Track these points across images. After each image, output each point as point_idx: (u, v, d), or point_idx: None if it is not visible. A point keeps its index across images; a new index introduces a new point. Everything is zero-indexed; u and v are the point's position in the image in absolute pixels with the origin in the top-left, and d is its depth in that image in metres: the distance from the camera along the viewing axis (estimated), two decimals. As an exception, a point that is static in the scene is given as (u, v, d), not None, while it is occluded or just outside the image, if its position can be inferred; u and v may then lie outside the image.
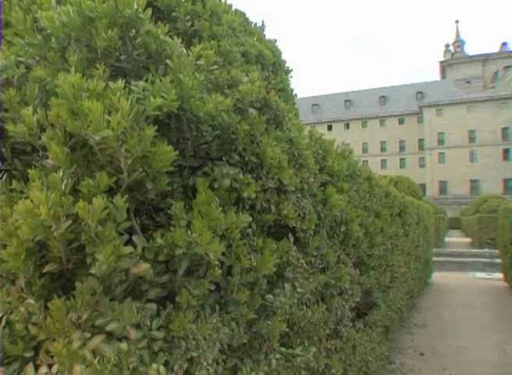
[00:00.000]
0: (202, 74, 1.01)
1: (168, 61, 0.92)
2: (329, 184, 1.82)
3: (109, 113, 0.79)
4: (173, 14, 1.67)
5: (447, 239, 27.51)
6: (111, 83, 0.83)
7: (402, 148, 75.53)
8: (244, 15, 2.43)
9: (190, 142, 1.02)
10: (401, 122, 75.72)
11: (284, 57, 2.52)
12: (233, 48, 1.74)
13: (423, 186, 71.69)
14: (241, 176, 1.08)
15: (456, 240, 29.13)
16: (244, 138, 1.12)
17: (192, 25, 1.71)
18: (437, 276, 12.63)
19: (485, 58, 75.82)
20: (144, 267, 0.81)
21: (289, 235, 1.39)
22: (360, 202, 2.44)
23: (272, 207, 1.25)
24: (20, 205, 0.77)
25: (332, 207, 1.75)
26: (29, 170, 0.88)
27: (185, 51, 0.98)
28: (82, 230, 0.79)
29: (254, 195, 1.11)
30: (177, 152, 0.89)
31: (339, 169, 1.88)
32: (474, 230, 20.27)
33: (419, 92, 76.39)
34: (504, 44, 76.13)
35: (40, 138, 0.90)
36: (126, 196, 0.82)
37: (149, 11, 0.95)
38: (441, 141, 69.18)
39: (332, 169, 1.81)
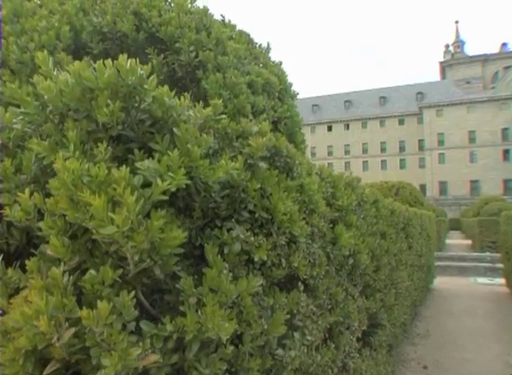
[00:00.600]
0: (210, 136, 0.96)
1: (175, 129, 0.87)
2: (338, 221, 1.78)
3: (113, 205, 0.75)
4: (177, 45, 1.63)
5: (448, 241, 27.48)
6: (114, 171, 0.77)
7: (402, 149, 75.51)
8: (249, 36, 2.39)
9: (197, 204, 0.99)
10: (401, 122, 75.69)
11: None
12: (239, 79, 1.69)
13: (423, 186, 71.66)
14: (252, 238, 1.04)
15: (456, 242, 29.10)
16: (255, 196, 1.08)
17: (196, 56, 1.66)
18: (439, 281, 12.60)
19: (485, 59, 75.78)
20: (153, 359, 0.77)
21: (299, 284, 1.35)
22: (367, 229, 2.40)
23: (283, 261, 1.21)
24: (17, 311, 0.72)
25: (342, 247, 1.72)
26: (26, 261, 0.84)
27: (193, 114, 0.93)
28: (86, 335, 0.75)
29: (265, 257, 1.08)
30: (186, 234, 0.85)
31: (348, 203, 1.84)
32: (475, 233, 20.23)
33: (419, 93, 76.36)
34: (504, 44, 76.10)
35: (38, 221, 0.86)
36: (133, 292, 0.78)
37: (154, 79, 0.90)
38: (441, 142, 69.16)
39: (342, 205, 1.78)
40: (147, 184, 0.82)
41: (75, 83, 0.81)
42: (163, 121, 0.88)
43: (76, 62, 0.83)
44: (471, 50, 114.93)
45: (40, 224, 0.82)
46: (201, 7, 2.26)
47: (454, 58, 78.56)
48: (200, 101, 1.21)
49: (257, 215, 1.12)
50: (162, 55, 1.56)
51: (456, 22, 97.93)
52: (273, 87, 1.96)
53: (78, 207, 0.76)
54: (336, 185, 1.76)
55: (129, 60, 0.87)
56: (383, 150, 77.31)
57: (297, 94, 2.31)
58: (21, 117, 0.85)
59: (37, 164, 0.89)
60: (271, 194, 1.14)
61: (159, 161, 0.82)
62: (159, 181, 0.79)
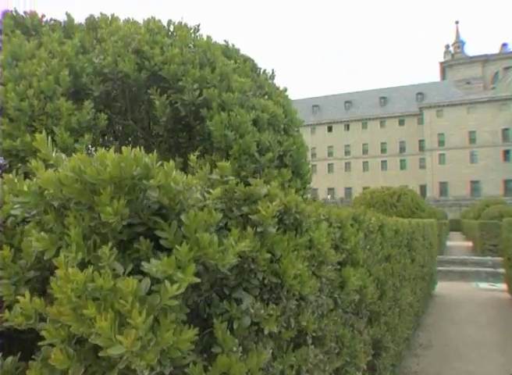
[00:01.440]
0: (219, 212, 0.91)
1: (183, 217, 0.83)
2: (346, 262, 1.73)
3: (121, 319, 0.70)
4: (180, 83, 1.59)
5: (448, 243, 27.44)
6: (120, 283, 0.72)
7: (402, 149, 75.44)
8: (252, 61, 2.35)
9: (206, 278, 0.94)
10: (401, 123, 75.62)
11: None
12: (244, 117, 1.65)
13: (423, 187, 71.61)
14: (262, 311, 1.00)
15: (457, 244, 29.05)
16: (264, 265, 1.04)
17: (200, 94, 1.62)
18: (440, 287, 12.56)
19: (485, 59, 75.76)
20: None
21: (307, 338, 1.31)
22: (373, 258, 2.36)
23: (292, 321, 1.17)
24: None
25: (350, 291, 1.67)
26: (30, 362, 0.79)
27: (201, 196, 0.88)
28: None
29: (275, 329, 1.03)
30: (196, 333, 0.80)
31: (356, 242, 1.80)
32: (476, 236, 20.21)
33: (419, 93, 76.31)
34: (504, 44, 76.06)
35: (40, 322, 0.82)
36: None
37: (160, 170, 0.84)
38: (441, 142, 69.11)
39: (350, 248, 1.74)
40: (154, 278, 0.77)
41: (75, 179, 0.76)
42: (170, 208, 0.83)
43: (77, 156, 0.78)
44: (471, 50, 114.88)
45: (43, 331, 0.77)
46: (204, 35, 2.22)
47: (454, 59, 78.54)
48: (207, 165, 1.16)
49: (266, 281, 1.08)
50: (165, 95, 1.52)
51: (457, 22, 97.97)
52: (279, 120, 1.92)
53: (83, 320, 0.72)
54: (344, 225, 1.72)
55: (133, 150, 0.82)
56: (383, 150, 77.25)
57: (303, 121, 2.27)
58: (19, 205, 0.81)
59: (37, 252, 0.85)
60: (280, 258, 1.09)
61: (169, 262, 0.76)
62: (168, 284, 0.74)
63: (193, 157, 1.59)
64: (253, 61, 2.29)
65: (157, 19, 1.83)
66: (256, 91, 1.98)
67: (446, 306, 10.01)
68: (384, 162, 77.05)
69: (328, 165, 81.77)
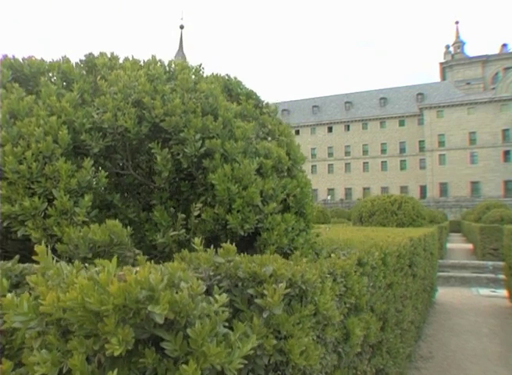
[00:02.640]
0: (224, 293, 0.88)
1: (189, 331, 0.79)
2: (350, 311, 1.70)
3: None
4: (181, 135, 1.56)
5: (449, 245, 27.40)
6: None
7: (402, 150, 75.48)
8: (256, 95, 2.32)
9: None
10: (401, 123, 75.65)
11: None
12: (248, 167, 1.62)
13: (423, 188, 71.66)
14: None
15: (457, 246, 29.03)
16: (270, 350, 1.01)
17: (202, 144, 1.59)
18: (441, 293, 12.53)
19: (485, 60, 75.72)
20: None
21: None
22: (376, 293, 2.33)
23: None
24: None
25: (355, 344, 1.64)
26: None
27: (207, 306, 0.84)
28: None
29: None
30: None
31: (360, 289, 1.76)
32: (477, 240, 20.21)
33: (419, 94, 76.32)
34: (504, 45, 76.01)
35: None
36: None
37: (166, 290, 0.79)
38: (441, 143, 69.13)
39: (353, 299, 1.71)
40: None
41: (78, 305, 0.73)
42: (175, 321, 0.80)
43: (79, 283, 0.75)
44: (471, 51, 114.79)
45: None
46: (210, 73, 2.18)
47: (454, 59, 78.52)
48: (211, 221, 1.13)
49: (271, 360, 1.05)
50: (167, 149, 1.49)
51: (457, 22, 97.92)
52: (282, 163, 1.89)
53: None
54: (348, 274, 1.68)
55: (136, 271, 0.80)
56: (383, 151, 77.28)
57: (305, 158, 2.23)
58: (19, 322, 0.78)
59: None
60: (289, 336, 1.06)
61: (174, 363, 0.73)
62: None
63: (196, 210, 1.57)
64: (256, 95, 2.26)
65: (158, 58, 1.79)
66: (259, 131, 1.94)
67: (447, 315, 9.99)
68: (384, 163, 77.08)
69: (329, 165, 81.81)
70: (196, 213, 1.61)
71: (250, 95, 2.27)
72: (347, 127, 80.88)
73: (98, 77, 1.68)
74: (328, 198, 73.84)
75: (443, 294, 12.35)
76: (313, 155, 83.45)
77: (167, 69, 1.82)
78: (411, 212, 9.77)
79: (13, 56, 1.63)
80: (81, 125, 1.38)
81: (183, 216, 1.53)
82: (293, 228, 1.92)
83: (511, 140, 64.57)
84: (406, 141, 75.53)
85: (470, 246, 27.21)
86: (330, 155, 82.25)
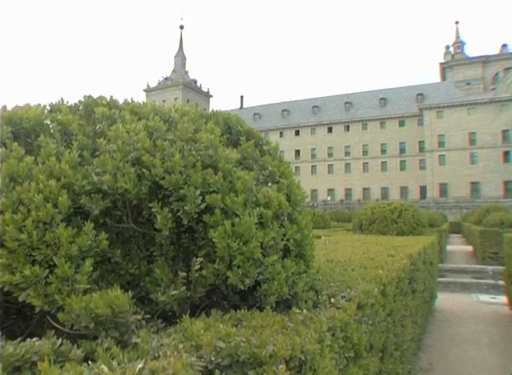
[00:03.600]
0: None
1: None
2: (350, 360, 1.70)
3: None
4: (181, 192, 1.55)
5: (449, 247, 27.41)
6: None
7: (402, 150, 75.49)
8: (257, 135, 2.32)
9: None
10: (401, 124, 75.64)
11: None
12: (249, 220, 1.61)
13: (423, 188, 71.68)
14: None
15: (458, 248, 29.04)
16: None
17: (202, 200, 1.59)
18: (441, 299, 12.53)
19: (485, 60, 75.70)
20: None
21: None
22: (375, 329, 2.33)
23: None
24: None
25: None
26: None
27: None
28: None
29: None
30: None
31: (360, 335, 1.76)
32: (477, 243, 20.26)
33: (419, 94, 76.29)
34: (504, 45, 75.97)
35: None
36: None
37: None
38: (441, 143, 69.15)
39: (353, 352, 1.70)
40: None
41: None
42: None
43: None
44: (471, 51, 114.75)
45: None
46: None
47: (454, 60, 78.48)
48: (211, 276, 1.12)
49: None
50: (167, 208, 1.48)
51: (457, 22, 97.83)
52: (283, 209, 1.88)
53: None
54: (347, 324, 1.68)
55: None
56: (383, 151, 77.28)
57: (307, 196, 2.23)
58: None
59: None
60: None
61: None
62: None
63: (196, 265, 1.57)
64: (256, 133, 2.26)
65: (158, 107, 1.79)
66: (259, 175, 1.94)
67: (447, 323, 9.99)
68: (384, 163, 77.08)
69: (328, 166, 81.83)
70: (197, 267, 1.61)
71: (250, 133, 2.27)
72: (347, 128, 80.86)
73: (97, 126, 1.68)
74: (328, 198, 73.84)
75: (443, 300, 12.34)
76: (313, 156, 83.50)
77: (166, 117, 1.82)
78: (411, 220, 9.78)
79: (10, 108, 1.63)
80: (81, 187, 1.38)
81: (184, 274, 1.52)
82: (293, 273, 1.92)
83: (511, 140, 64.58)
84: (406, 141, 75.53)
85: (470, 248, 27.24)
86: (330, 155, 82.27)
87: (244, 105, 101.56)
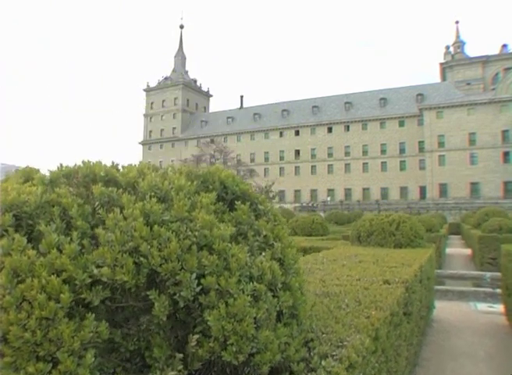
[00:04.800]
0: None
1: None
2: None
3: None
4: (178, 277, 1.62)
5: (448, 250, 27.49)
6: None
7: (402, 151, 75.58)
8: (252, 195, 2.38)
9: None
10: (401, 124, 75.71)
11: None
12: (242, 299, 1.68)
13: (423, 188, 71.80)
14: None
15: (457, 251, 29.11)
16: None
17: (199, 283, 1.66)
18: (439, 308, 12.58)
19: (485, 60, 75.68)
20: None
21: None
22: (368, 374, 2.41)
23: None
24: None
25: None
26: None
27: None
28: None
29: None
30: None
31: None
32: (476, 248, 20.37)
33: (419, 94, 76.32)
34: (504, 45, 75.93)
35: None
36: None
37: None
38: (441, 144, 69.23)
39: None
40: None
41: None
42: None
43: None
44: (471, 51, 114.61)
45: None
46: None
47: (455, 60, 78.43)
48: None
49: None
50: (164, 297, 1.56)
51: (457, 22, 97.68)
52: (276, 279, 1.95)
53: None
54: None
55: None
56: (383, 152, 77.35)
57: (298, 258, 2.30)
58: None
59: None
60: None
61: None
62: None
63: (193, 341, 1.63)
64: (252, 194, 2.33)
65: (155, 184, 1.86)
66: (253, 243, 2.01)
67: (445, 334, 10.07)
68: (384, 163, 77.18)
69: (328, 166, 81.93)
70: (193, 343, 1.68)
71: (246, 193, 2.33)
72: (347, 128, 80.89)
73: (96, 203, 1.74)
74: (328, 199, 73.88)
75: (441, 308, 12.41)
76: (313, 156, 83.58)
77: (163, 194, 1.88)
78: (409, 232, 9.85)
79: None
80: (81, 281, 1.45)
81: (181, 355, 1.60)
82: (286, 336, 1.99)
83: (511, 141, 64.62)
84: (405, 141, 75.57)
85: (469, 251, 27.32)
86: (330, 155, 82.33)
87: (244, 105, 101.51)
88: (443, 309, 12.53)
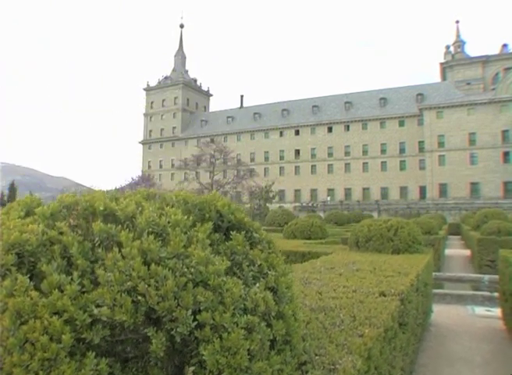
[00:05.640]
0: None
1: None
2: None
3: None
4: (174, 314, 1.69)
5: (447, 251, 27.54)
6: None
7: (402, 150, 75.63)
8: (247, 224, 2.44)
9: None
10: (401, 124, 75.74)
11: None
12: (236, 332, 1.75)
13: (423, 188, 71.86)
14: None
15: (456, 252, 29.17)
16: None
17: (194, 318, 1.73)
18: (437, 312, 12.65)
19: (485, 60, 75.62)
20: None
21: None
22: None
23: None
24: None
25: None
26: None
27: None
28: None
29: None
30: None
31: None
32: (475, 251, 20.47)
33: (419, 94, 76.32)
34: (505, 45, 75.87)
35: None
36: None
37: None
38: (441, 144, 69.27)
39: None
40: None
41: None
42: None
43: None
44: (471, 50, 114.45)
45: None
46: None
47: (455, 60, 78.37)
48: None
49: None
50: (161, 334, 1.63)
51: (457, 21, 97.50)
52: (270, 309, 2.02)
53: None
54: None
55: None
56: (383, 151, 77.40)
57: (291, 285, 2.36)
58: None
59: None
60: None
61: None
62: None
63: (189, 372, 1.70)
64: (248, 223, 2.40)
65: (152, 220, 1.93)
66: (248, 273, 2.08)
67: (442, 339, 10.14)
68: (384, 163, 77.22)
69: (328, 165, 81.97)
70: (189, 375, 1.75)
71: (242, 222, 2.40)
72: (347, 127, 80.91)
73: (96, 239, 1.81)
74: (328, 198, 73.93)
75: (439, 312, 12.49)
76: (313, 155, 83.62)
77: (160, 230, 1.95)
78: (407, 238, 9.92)
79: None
80: (82, 321, 1.52)
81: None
82: (279, 363, 2.06)
83: (511, 141, 64.63)
84: (405, 141, 75.60)
85: (468, 252, 27.39)
86: (330, 155, 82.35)
87: (244, 105, 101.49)
88: (441, 313, 12.61)
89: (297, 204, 72.97)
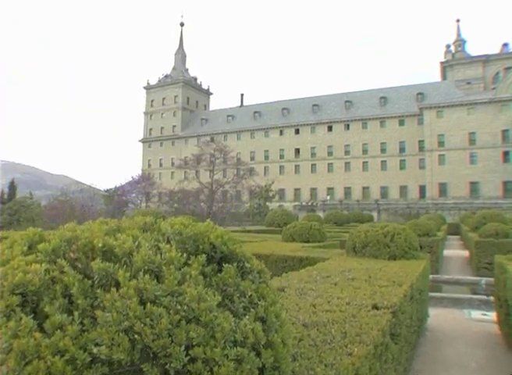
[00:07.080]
0: None
1: None
2: None
3: None
4: (168, 351, 1.81)
5: (446, 252, 27.68)
6: None
7: (402, 150, 75.69)
8: (239, 254, 2.56)
9: None
10: (401, 123, 75.77)
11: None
12: (227, 366, 1.88)
13: (423, 188, 71.96)
14: None
15: (454, 253, 29.29)
16: None
17: (187, 353, 1.86)
18: (433, 315, 12.76)
19: (485, 59, 75.57)
20: None
21: None
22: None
23: None
24: None
25: None
26: None
27: None
28: None
29: None
30: None
31: None
32: (473, 252, 20.62)
33: (419, 93, 76.31)
34: (505, 44, 75.79)
35: None
36: None
37: None
38: (441, 143, 69.30)
39: None
40: None
41: None
42: None
43: None
44: (472, 49, 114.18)
45: None
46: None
47: (455, 59, 78.31)
48: None
49: None
50: (156, 369, 1.75)
51: (458, 20, 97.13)
52: (259, 339, 2.14)
53: None
54: None
55: None
56: (383, 150, 77.45)
57: (281, 314, 2.48)
58: None
59: None
60: None
61: None
62: None
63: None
64: (241, 254, 2.52)
65: (148, 259, 2.05)
66: (239, 304, 2.20)
67: (438, 343, 10.27)
68: (384, 162, 77.29)
69: (328, 164, 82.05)
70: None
71: (233, 253, 2.52)
72: (347, 126, 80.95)
73: (95, 277, 1.93)
74: (328, 198, 74.03)
75: (436, 316, 12.61)
76: (313, 154, 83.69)
77: (155, 267, 2.07)
78: (403, 244, 10.04)
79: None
80: (82, 361, 1.64)
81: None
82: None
83: (511, 140, 64.67)
84: (405, 140, 75.64)
85: (467, 253, 27.52)
86: (330, 154, 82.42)
87: (244, 103, 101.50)
88: (438, 317, 12.73)
89: (297, 203, 73.08)
